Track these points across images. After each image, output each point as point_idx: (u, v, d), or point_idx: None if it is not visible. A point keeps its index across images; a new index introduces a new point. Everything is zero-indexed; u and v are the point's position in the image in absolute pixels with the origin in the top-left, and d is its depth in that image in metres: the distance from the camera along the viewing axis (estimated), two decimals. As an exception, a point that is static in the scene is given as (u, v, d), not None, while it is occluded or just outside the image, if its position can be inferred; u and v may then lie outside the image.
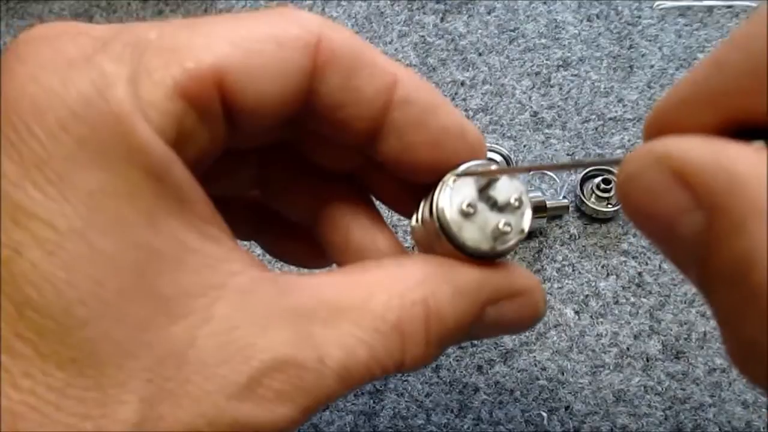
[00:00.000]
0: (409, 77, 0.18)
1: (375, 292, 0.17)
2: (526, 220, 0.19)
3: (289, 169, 0.23)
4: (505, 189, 0.19)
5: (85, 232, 0.14)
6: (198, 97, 0.16)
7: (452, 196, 0.18)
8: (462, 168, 0.19)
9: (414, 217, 0.21)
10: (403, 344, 0.17)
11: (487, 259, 0.19)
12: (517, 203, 0.19)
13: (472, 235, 0.18)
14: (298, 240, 0.25)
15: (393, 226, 0.37)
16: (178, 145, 0.16)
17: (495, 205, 0.18)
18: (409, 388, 0.33)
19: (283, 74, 0.17)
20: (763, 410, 0.32)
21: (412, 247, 0.34)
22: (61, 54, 0.15)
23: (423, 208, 0.20)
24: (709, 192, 0.13)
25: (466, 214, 0.18)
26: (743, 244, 0.12)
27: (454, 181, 0.18)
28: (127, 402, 0.14)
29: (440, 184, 0.19)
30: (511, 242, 0.18)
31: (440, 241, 0.18)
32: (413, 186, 0.20)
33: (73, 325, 0.14)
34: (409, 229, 0.22)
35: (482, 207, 0.18)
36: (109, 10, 0.45)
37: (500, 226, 0.18)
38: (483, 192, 0.18)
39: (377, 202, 0.23)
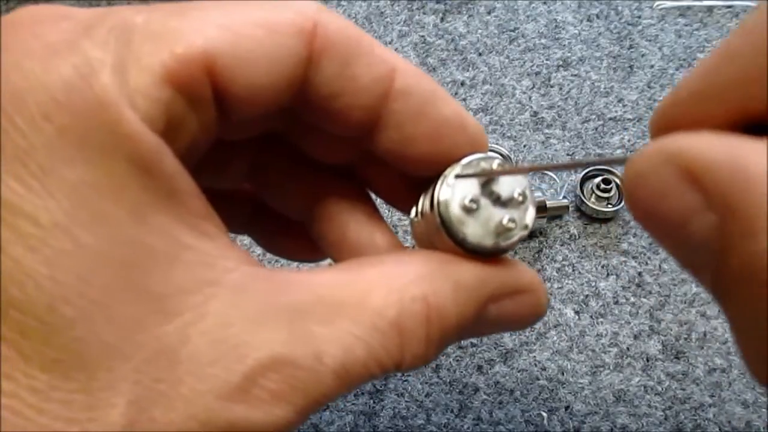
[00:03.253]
0: (407, 68, 0.18)
1: (374, 289, 0.17)
2: (530, 216, 0.18)
3: (283, 161, 0.22)
4: (509, 183, 0.18)
5: (68, 227, 0.14)
6: (188, 83, 0.15)
7: (454, 191, 0.18)
8: (464, 162, 0.18)
9: (413, 210, 0.20)
10: (402, 342, 0.17)
11: (488, 255, 0.18)
12: (521, 198, 0.18)
13: (474, 231, 0.18)
14: (292, 234, 0.24)
15: (393, 226, 0.37)
16: (167, 134, 0.15)
17: (498, 200, 0.18)
18: (409, 388, 0.33)
19: (276, 60, 0.16)
20: (763, 410, 0.32)
21: (413, 247, 0.34)
22: (43, 39, 0.15)
23: (423, 201, 0.19)
24: (723, 193, 0.12)
25: (468, 210, 0.17)
26: (757, 247, 0.11)
27: (456, 176, 0.18)
28: (116, 405, 0.14)
29: (441, 177, 0.18)
30: (515, 238, 0.18)
31: (441, 236, 0.18)
32: (411, 180, 0.20)
33: (59, 325, 0.14)
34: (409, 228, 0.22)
35: (485, 202, 0.18)
36: (109, 10, 0.45)
37: (504, 222, 0.18)
38: (486, 186, 0.18)
39: (376, 199, 0.23)
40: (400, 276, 0.17)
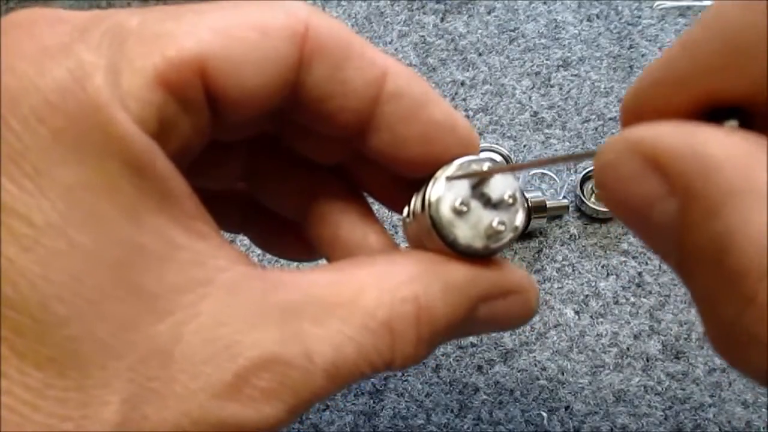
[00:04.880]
0: (399, 70, 0.18)
1: (365, 289, 0.17)
2: (520, 218, 0.18)
3: (277, 162, 0.22)
4: (499, 185, 0.18)
5: (62, 227, 0.14)
6: (180, 86, 0.15)
7: (445, 193, 0.18)
8: (455, 164, 0.18)
9: (405, 210, 0.20)
10: (393, 342, 0.17)
11: (479, 257, 0.18)
12: (511, 200, 0.18)
13: (464, 233, 0.18)
14: (287, 233, 0.24)
15: (393, 226, 0.37)
16: (160, 136, 0.15)
17: (489, 203, 0.18)
18: (409, 388, 0.33)
19: (267, 63, 0.16)
20: (763, 410, 0.32)
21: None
22: (39, 43, 0.15)
23: (415, 202, 0.19)
24: (683, 177, 0.13)
25: (459, 212, 0.18)
26: (717, 227, 0.12)
27: (447, 178, 0.18)
28: (110, 403, 0.14)
29: (432, 179, 0.18)
30: (505, 240, 0.18)
31: (431, 237, 0.18)
32: (404, 180, 0.20)
33: (52, 323, 0.14)
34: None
35: (475, 204, 0.18)
36: (109, 10, 0.45)
37: (494, 224, 0.18)
38: (476, 188, 0.18)
39: (370, 200, 0.23)
40: (391, 276, 0.17)
